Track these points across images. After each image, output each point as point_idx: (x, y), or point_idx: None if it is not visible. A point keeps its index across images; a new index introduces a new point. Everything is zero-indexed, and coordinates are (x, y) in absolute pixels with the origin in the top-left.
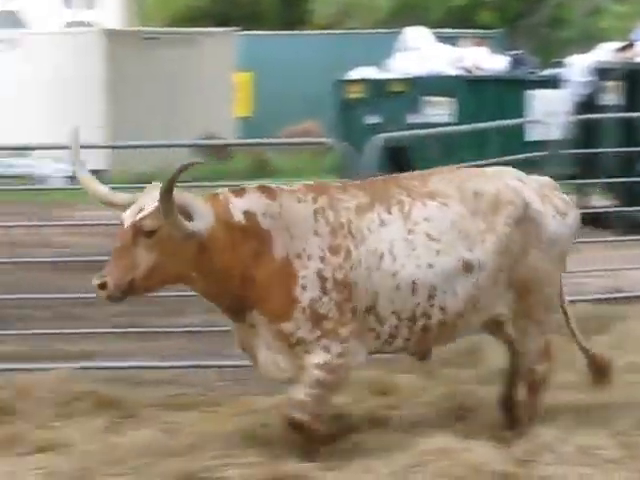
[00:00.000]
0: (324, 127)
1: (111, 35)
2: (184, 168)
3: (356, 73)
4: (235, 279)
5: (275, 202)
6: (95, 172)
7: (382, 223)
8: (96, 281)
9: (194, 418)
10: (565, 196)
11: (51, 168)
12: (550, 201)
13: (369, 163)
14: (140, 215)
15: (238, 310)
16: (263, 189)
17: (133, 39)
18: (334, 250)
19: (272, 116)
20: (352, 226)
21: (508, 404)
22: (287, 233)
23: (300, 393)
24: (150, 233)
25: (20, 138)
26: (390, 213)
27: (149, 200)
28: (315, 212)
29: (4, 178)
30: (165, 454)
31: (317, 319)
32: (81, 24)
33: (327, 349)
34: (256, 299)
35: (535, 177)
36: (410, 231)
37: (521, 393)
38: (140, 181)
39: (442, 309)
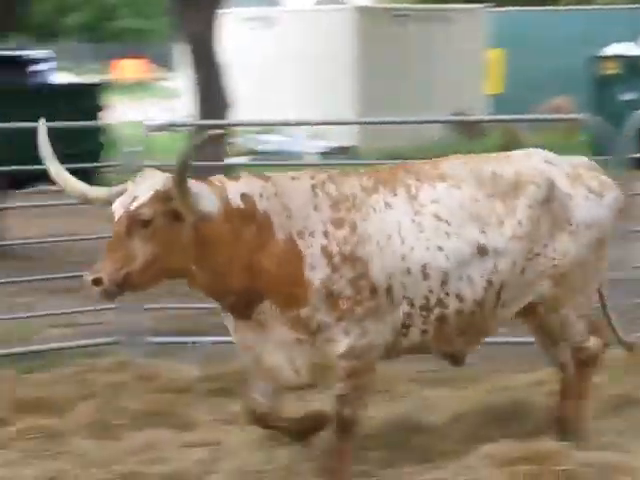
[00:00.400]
0: (577, 103)
1: (362, 12)
2: (197, 144)
3: (612, 49)
4: (240, 269)
5: (268, 183)
6: (344, 149)
7: (387, 205)
8: (89, 277)
9: (446, 395)
10: (604, 177)
11: (305, 144)
12: (583, 182)
13: (627, 140)
14: (135, 204)
15: (245, 305)
16: (255, 174)
17: (384, 16)
18: (337, 223)
19: (523, 93)
20: (357, 200)
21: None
22: (285, 212)
23: (338, 389)
24: (146, 223)
25: (272, 115)
26: (395, 195)
27: (143, 189)
28: (313, 187)
29: (259, 154)
30: (418, 430)
31: (333, 299)
32: (333, 2)
33: (347, 332)
34: (266, 288)
35: (569, 158)
36: (417, 212)
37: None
38: (389, 157)
39: (458, 297)
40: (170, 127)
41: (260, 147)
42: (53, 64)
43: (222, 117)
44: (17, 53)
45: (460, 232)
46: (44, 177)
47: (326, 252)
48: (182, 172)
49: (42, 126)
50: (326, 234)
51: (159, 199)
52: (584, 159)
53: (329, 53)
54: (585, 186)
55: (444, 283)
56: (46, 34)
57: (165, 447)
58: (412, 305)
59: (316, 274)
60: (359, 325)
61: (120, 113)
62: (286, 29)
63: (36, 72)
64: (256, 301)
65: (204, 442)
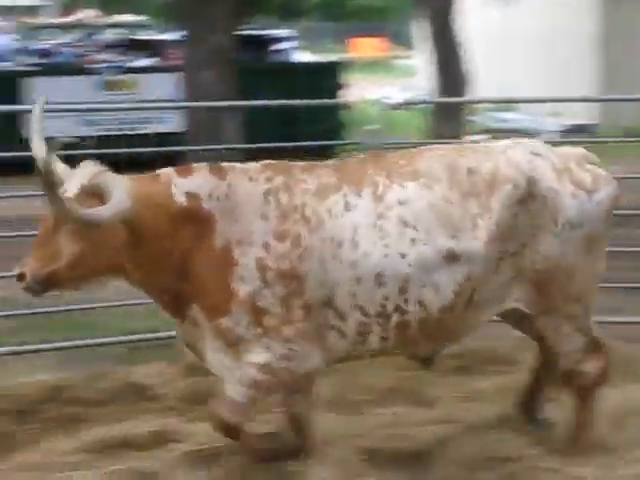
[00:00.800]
0: None
1: None
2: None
3: None
4: (172, 270)
5: (224, 182)
6: (585, 126)
7: (347, 207)
8: (16, 270)
9: None
10: (600, 170)
11: (544, 122)
12: (572, 177)
13: None
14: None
15: (177, 306)
16: (213, 168)
17: None
18: (280, 236)
19: None
20: (307, 210)
21: (527, 404)
22: (232, 216)
23: (233, 392)
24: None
25: (510, 92)
26: (360, 196)
27: (72, 183)
28: (266, 193)
29: (496, 132)
30: None
31: (257, 314)
32: None
33: (268, 348)
34: (194, 292)
35: (564, 149)
36: (381, 216)
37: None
38: (629, 135)
39: (420, 304)
40: (408, 105)
41: (497, 125)
42: (294, 43)
43: (460, 94)
44: (260, 32)
45: (427, 238)
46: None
47: (261, 265)
48: (47, 177)
49: (40, 102)
50: (266, 246)
51: (85, 194)
52: (579, 150)
53: (571, 29)
54: (574, 181)
55: (403, 290)
56: (288, 14)
57: (406, 424)
58: (366, 314)
59: (244, 286)
60: (285, 346)
61: (359, 91)
62: (531, 6)
63: (278, 51)
64: (187, 303)
65: (445, 419)
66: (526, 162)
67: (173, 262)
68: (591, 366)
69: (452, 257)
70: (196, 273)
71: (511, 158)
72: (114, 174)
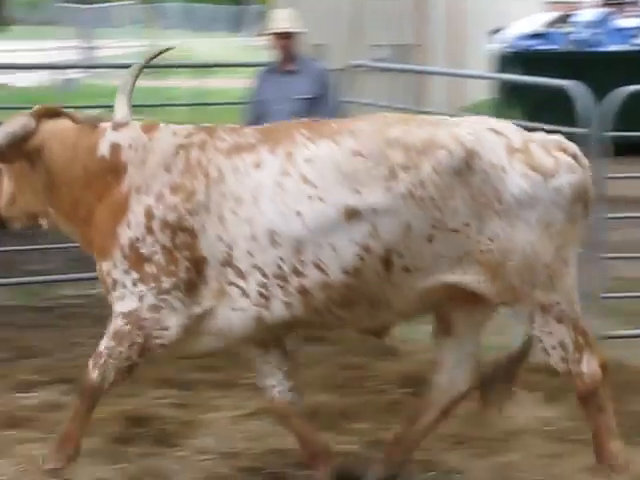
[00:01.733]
0: None
1: None
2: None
3: None
4: (83, 216)
5: (148, 134)
6: None
7: (257, 165)
8: None
9: None
10: (567, 158)
11: None
12: (529, 158)
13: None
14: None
15: (91, 249)
16: (146, 124)
17: None
18: (175, 189)
19: None
20: (211, 166)
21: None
22: (141, 166)
23: (99, 345)
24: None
25: None
26: (273, 154)
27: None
28: (178, 147)
29: None
30: None
31: (137, 260)
32: None
33: (141, 298)
34: (92, 236)
35: (540, 134)
36: (285, 173)
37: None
38: None
39: (318, 266)
40: None
41: None
42: None
43: None
44: None
45: (326, 195)
46: None
47: (148, 213)
48: None
49: None
50: (159, 196)
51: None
52: (554, 137)
53: None
54: (529, 163)
55: (298, 251)
56: None
57: None
58: (264, 275)
59: (128, 231)
60: (158, 297)
61: None
62: None
63: None
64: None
65: None
66: (471, 135)
67: (85, 209)
68: (587, 366)
69: (352, 214)
70: (96, 217)
71: (455, 130)
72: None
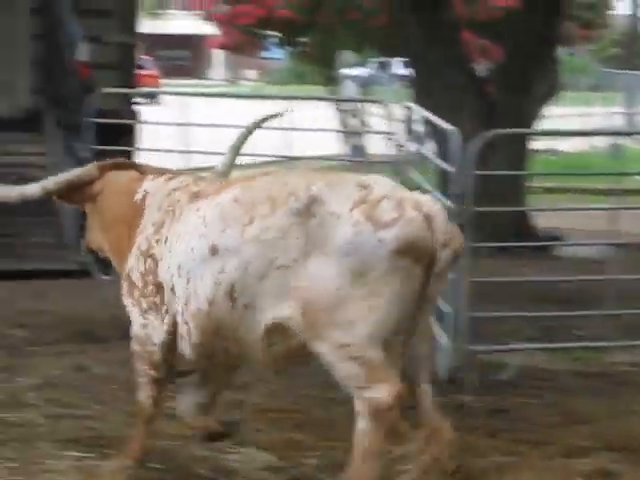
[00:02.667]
0: None
1: None
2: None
3: None
4: (120, 252)
5: (167, 182)
6: None
7: (197, 209)
8: None
9: None
10: (410, 213)
11: None
12: (371, 210)
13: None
14: None
15: None
16: (171, 173)
17: None
18: (154, 223)
19: None
20: (178, 204)
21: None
22: (152, 209)
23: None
24: None
25: None
26: (207, 200)
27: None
28: (172, 190)
29: None
30: None
31: (131, 287)
32: None
33: (136, 320)
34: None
35: (409, 193)
36: (199, 216)
37: None
38: None
39: (195, 294)
40: None
41: None
42: None
43: None
44: None
45: (207, 232)
46: None
47: (137, 244)
48: None
49: None
50: (144, 230)
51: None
52: (421, 196)
53: None
54: (368, 214)
55: (189, 283)
56: None
57: None
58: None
59: (129, 261)
60: (143, 316)
61: None
62: None
63: None
64: None
65: None
66: (323, 185)
67: (122, 247)
68: (379, 392)
69: (213, 250)
70: (121, 252)
71: (312, 180)
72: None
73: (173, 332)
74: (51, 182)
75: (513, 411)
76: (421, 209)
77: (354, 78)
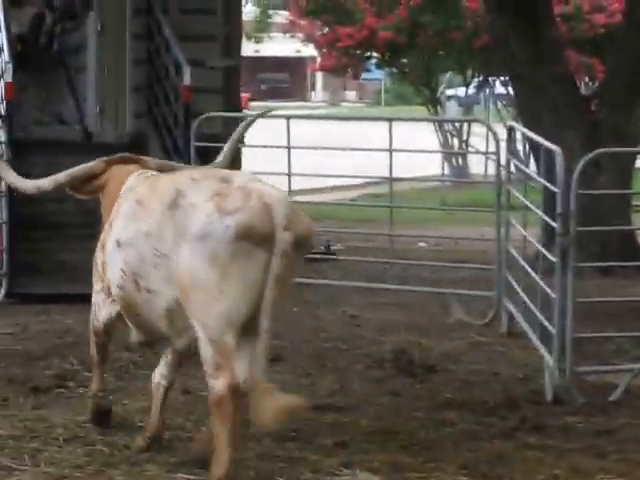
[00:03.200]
0: None
1: None
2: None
3: None
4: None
5: (144, 177)
6: None
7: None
8: None
9: None
10: (251, 202)
11: None
12: (222, 201)
13: None
14: None
15: None
16: (169, 169)
17: None
18: (113, 216)
19: None
20: (126, 199)
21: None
22: (119, 201)
23: None
24: None
25: None
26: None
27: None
28: (136, 185)
29: None
30: None
31: (96, 271)
32: None
33: (95, 300)
34: None
35: (261, 184)
36: (118, 211)
37: None
38: None
39: (112, 280)
40: None
41: None
42: None
43: None
44: None
45: (120, 228)
46: None
47: (102, 234)
48: None
49: None
50: (108, 221)
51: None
52: (270, 187)
53: None
54: (218, 204)
55: (109, 269)
56: None
57: None
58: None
59: (97, 252)
60: (95, 296)
61: None
62: None
63: None
64: None
65: None
66: (188, 180)
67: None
68: (218, 383)
69: (118, 243)
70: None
71: (179, 178)
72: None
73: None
74: (62, 175)
75: (620, 432)
76: (262, 198)
77: (455, 98)
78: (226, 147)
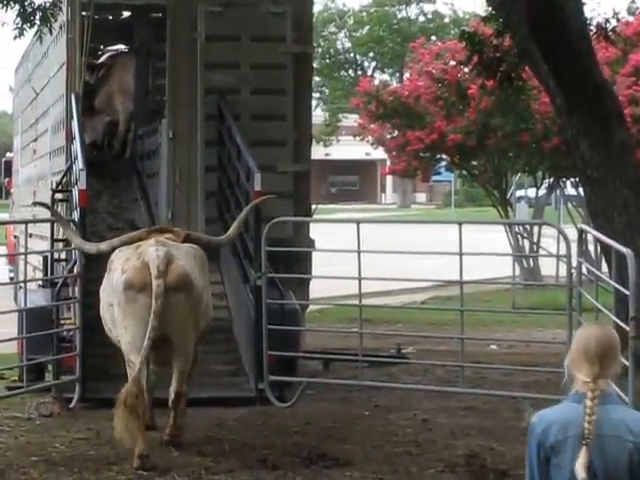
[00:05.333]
0: None
1: None
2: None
3: None
4: None
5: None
6: None
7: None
8: None
9: None
10: (138, 262)
11: None
12: (124, 263)
13: None
14: None
15: None
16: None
17: None
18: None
19: None
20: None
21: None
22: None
23: None
24: None
25: None
26: None
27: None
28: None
29: None
30: None
31: None
32: None
33: None
34: None
35: (149, 248)
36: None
37: None
38: None
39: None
40: None
41: None
42: None
43: None
44: None
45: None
46: None
47: None
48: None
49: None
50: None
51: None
52: (153, 248)
53: None
54: (123, 265)
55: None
56: None
57: None
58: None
59: None
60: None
61: None
62: None
63: None
64: None
65: None
66: (117, 249)
67: None
68: (127, 386)
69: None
70: None
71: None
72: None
73: None
74: (116, 240)
75: None
76: (143, 258)
77: (525, 199)
78: (233, 227)
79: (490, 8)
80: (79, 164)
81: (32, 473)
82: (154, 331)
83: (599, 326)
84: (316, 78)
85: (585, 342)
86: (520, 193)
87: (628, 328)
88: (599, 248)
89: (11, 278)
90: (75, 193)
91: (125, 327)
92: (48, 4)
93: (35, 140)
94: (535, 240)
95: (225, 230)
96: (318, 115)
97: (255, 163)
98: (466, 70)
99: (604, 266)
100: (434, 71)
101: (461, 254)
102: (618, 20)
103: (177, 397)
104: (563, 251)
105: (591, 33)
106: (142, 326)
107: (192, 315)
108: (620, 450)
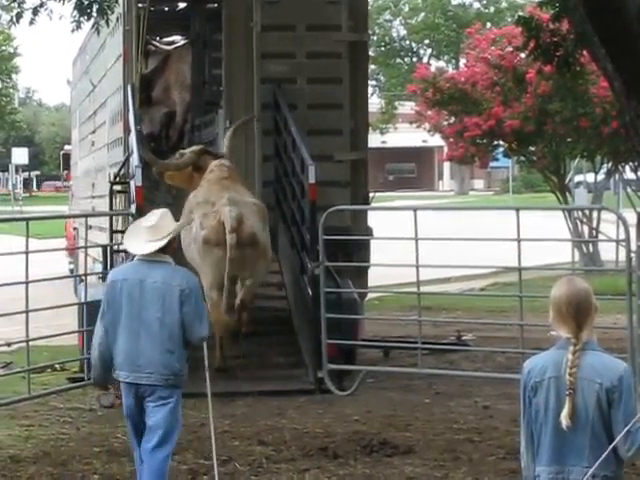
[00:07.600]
0: None
1: None
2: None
3: None
4: None
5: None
6: None
7: None
8: None
9: None
10: (214, 222)
11: None
12: (203, 219)
13: None
14: None
15: None
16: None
17: None
18: None
19: None
20: None
21: None
22: None
23: None
24: None
25: None
26: None
27: None
28: None
29: None
30: None
31: None
32: None
33: None
34: None
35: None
36: None
37: None
38: None
39: None
40: None
41: None
42: None
43: None
44: None
45: None
46: None
47: None
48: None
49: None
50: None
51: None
52: (228, 209)
53: None
54: (201, 221)
55: None
56: None
57: None
58: None
59: None
60: None
61: None
62: None
63: None
64: None
65: None
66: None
67: None
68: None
69: None
70: None
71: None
72: None
73: None
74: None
75: None
76: (219, 218)
77: (584, 184)
78: (225, 139)
79: None
80: (135, 160)
81: (94, 463)
82: (229, 274)
83: (568, 283)
84: (372, 66)
85: (558, 302)
86: (579, 178)
87: None
88: None
89: (71, 270)
90: (132, 186)
91: (204, 272)
92: None
93: (93, 132)
94: (594, 225)
95: (283, 219)
96: (374, 103)
97: (309, 154)
98: (523, 55)
99: None
100: (490, 57)
101: (519, 240)
102: None
103: (242, 303)
104: (622, 236)
105: None
106: (218, 271)
107: (257, 261)
108: (590, 392)
